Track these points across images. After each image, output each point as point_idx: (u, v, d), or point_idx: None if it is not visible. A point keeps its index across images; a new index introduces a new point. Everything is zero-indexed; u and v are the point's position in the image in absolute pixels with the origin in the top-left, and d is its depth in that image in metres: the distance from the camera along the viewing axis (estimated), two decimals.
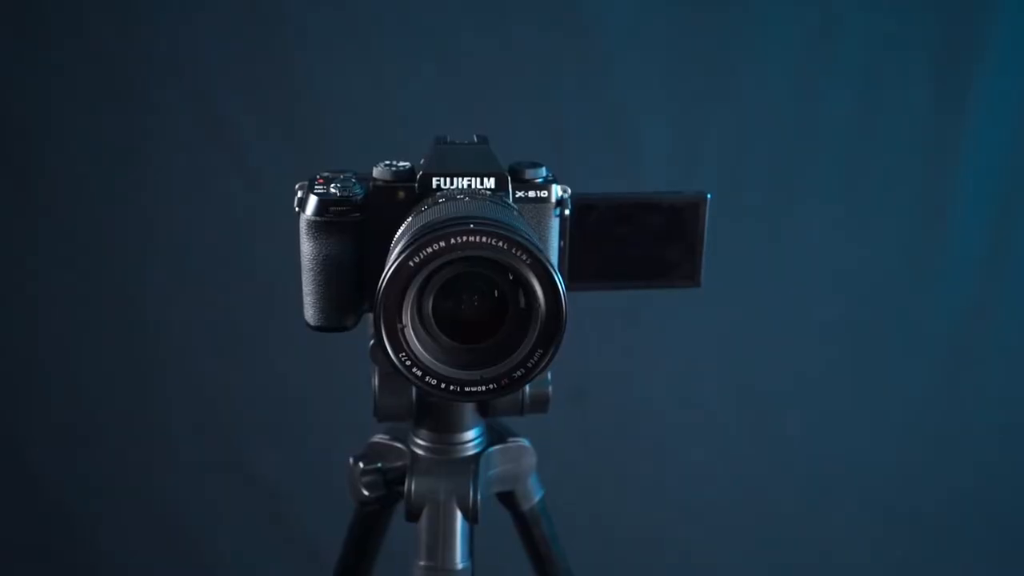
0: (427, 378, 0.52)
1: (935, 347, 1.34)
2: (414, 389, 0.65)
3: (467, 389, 0.52)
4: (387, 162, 0.63)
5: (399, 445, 0.68)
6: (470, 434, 0.67)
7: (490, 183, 0.60)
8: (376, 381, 0.65)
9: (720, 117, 1.22)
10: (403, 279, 0.50)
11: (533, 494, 0.73)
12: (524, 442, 0.70)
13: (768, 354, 1.31)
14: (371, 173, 0.63)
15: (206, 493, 1.30)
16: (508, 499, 0.73)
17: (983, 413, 1.37)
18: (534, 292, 0.51)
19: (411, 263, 0.50)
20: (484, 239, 0.50)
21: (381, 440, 0.70)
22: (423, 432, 0.67)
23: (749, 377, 1.32)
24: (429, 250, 0.50)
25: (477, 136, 0.65)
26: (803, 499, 1.38)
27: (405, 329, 0.51)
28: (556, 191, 0.63)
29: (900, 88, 1.23)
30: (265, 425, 1.28)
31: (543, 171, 0.64)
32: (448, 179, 0.60)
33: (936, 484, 1.39)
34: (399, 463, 0.68)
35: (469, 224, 0.50)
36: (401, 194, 0.61)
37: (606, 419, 1.32)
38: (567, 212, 0.64)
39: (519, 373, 0.52)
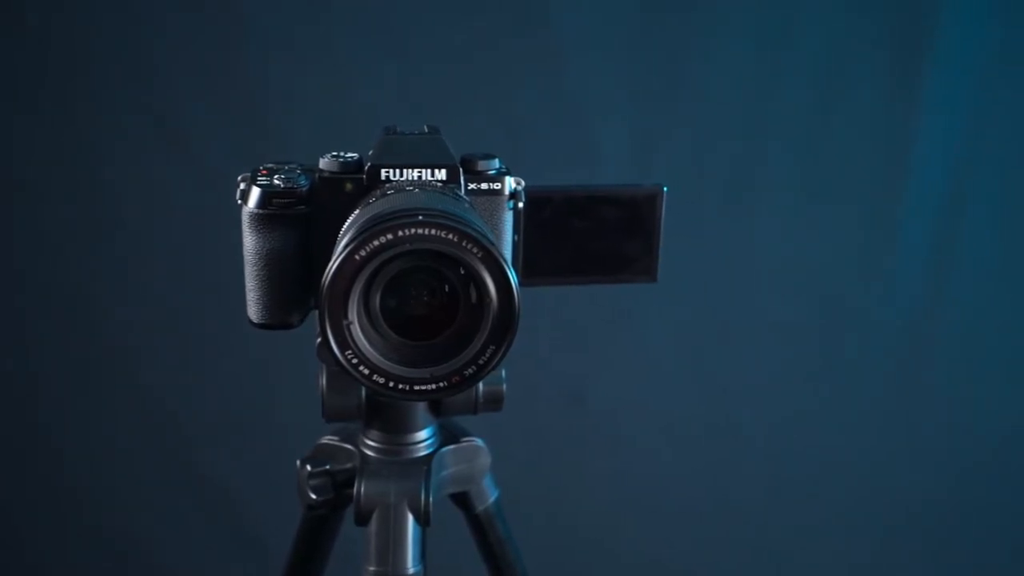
0: (375, 376, 0.50)
1: (890, 342, 1.35)
2: (363, 388, 0.63)
3: (417, 388, 0.50)
4: (334, 153, 0.61)
5: (348, 446, 0.66)
6: (422, 434, 0.65)
7: (441, 175, 0.58)
8: (323, 380, 0.63)
9: (677, 112, 1.21)
10: (349, 273, 0.48)
11: (487, 495, 0.71)
12: (478, 442, 0.69)
13: (725, 350, 1.31)
14: (317, 165, 0.60)
15: (152, 495, 1.26)
16: (462, 500, 0.71)
17: (937, 408, 1.38)
18: (486, 287, 0.49)
19: (357, 256, 0.48)
20: (433, 232, 0.48)
21: (330, 441, 0.67)
22: (373, 433, 0.65)
23: (706, 373, 1.32)
24: (376, 243, 0.48)
25: (428, 127, 0.63)
26: (762, 496, 1.38)
27: (351, 326, 0.49)
28: (509, 183, 0.61)
29: (854, 86, 1.23)
30: (212, 425, 1.25)
31: (496, 163, 0.62)
32: (397, 170, 0.58)
33: (894, 479, 1.39)
34: (348, 465, 0.66)
35: (418, 216, 0.48)
36: (348, 186, 0.59)
37: (562, 417, 1.31)
38: (521, 205, 0.62)
39: (471, 370, 0.50)
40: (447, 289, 0.52)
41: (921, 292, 1.32)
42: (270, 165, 0.61)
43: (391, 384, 0.50)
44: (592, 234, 0.67)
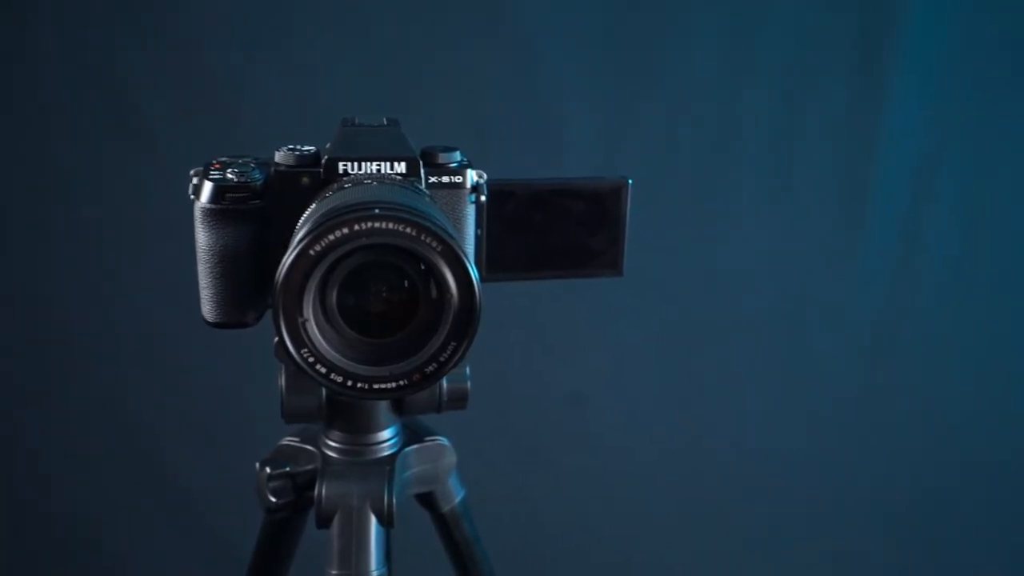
0: (332, 375, 0.48)
1: (858, 336, 1.35)
2: (323, 388, 0.61)
3: (376, 386, 0.49)
4: (290, 146, 0.59)
5: (309, 447, 0.65)
6: (385, 434, 0.64)
7: (400, 167, 0.57)
8: (283, 380, 0.61)
9: (646, 107, 1.20)
10: (303, 269, 0.46)
11: (453, 494, 0.70)
12: (443, 441, 0.67)
13: (693, 344, 1.31)
14: (272, 158, 0.59)
15: (115, 496, 1.24)
16: (427, 500, 0.69)
17: (906, 401, 1.38)
18: (446, 282, 0.48)
19: (312, 251, 0.46)
20: (391, 225, 0.46)
21: (290, 443, 0.66)
22: (335, 433, 0.64)
23: (673, 367, 1.31)
24: (331, 237, 0.46)
25: (387, 119, 0.62)
26: (728, 488, 1.37)
27: (307, 323, 0.47)
28: (471, 176, 0.60)
29: (821, 82, 1.23)
30: (174, 426, 1.22)
31: (457, 155, 0.61)
32: (355, 163, 0.57)
33: (864, 471, 1.40)
34: (309, 466, 0.64)
35: (375, 209, 0.47)
36: (305, 180, 0.57)
37: (528, 414, 1.30)
38: (483, 198, 0.61)
39: (431, 368, 0.49)
40: (406, 285, 0.50)
41: (889, 286, 1.33)
42: (223, 159, 0.59)
43: (349, 383, 0.48)
44: (557, 228, 0.66)
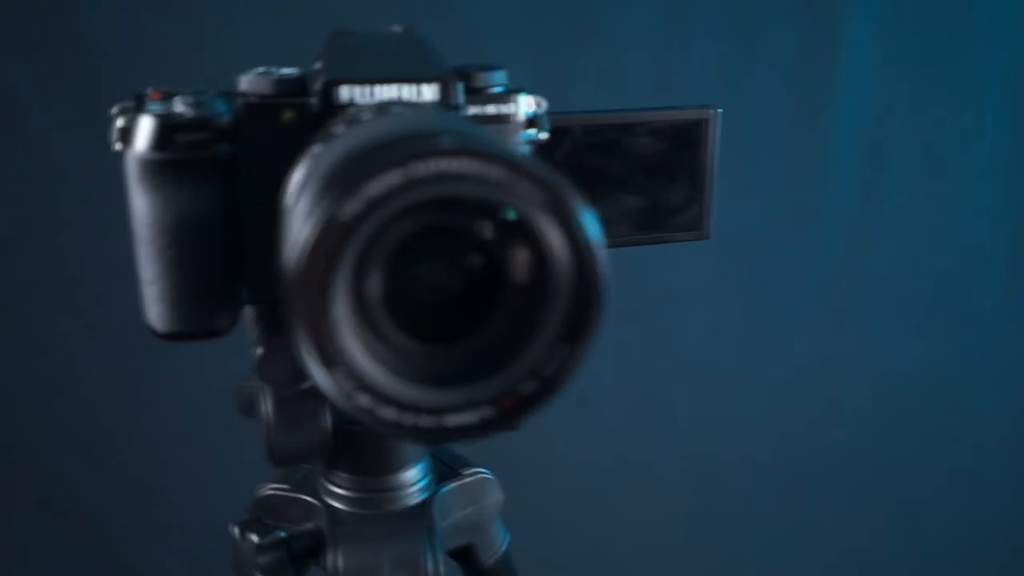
0: (381, 410, 0.30)
1: (815, 297, 1.26)
2: (327, 416, 0.43)
3: (448, 423, 0.31)
4: (262, 69, 0.40)
5: (307, 498, 0.46)
6: (413, 472, 0.46)
7: (431, 92, 0.39)
8: (268, 408, 0.42)
9: (585, 60, 1.07)
10: (332, 243, 0.28)
11: (498, 543, 0.52)
12: (484, 473, 0.50)
13: (646, 319, 1.17)
14: (236, 88, 0.40)
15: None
16: (465, 555, 0.51)
17: (860, 369, 1.31)
18: (551, 254, 0.30)
19: (347, 214, 0.28)
20: (470, 166, 0.29)
21: (276, 491, 0.47)
22: (342, 476, 0.46)
23: (628, 344, 1.17)
24: (378, 188, 0.28)
25: (400, 27, 0.44)
26: (688, 466, 1.28)
27: (339, 328, 0.29)
28: (526, 104, 0.43)
29: (772, 34, 1.13)
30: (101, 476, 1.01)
31: (501, 75, 0.43)
32: (365, 88, 0.38)
33: (820, 437, 1.32)
34: (309, 525, 0.46)
35: (439, 142, 0.29)
36: (288, 114, 0.39)
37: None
38: (543, 135, 0.43)
39: (531, 388, 0.31)
40: (480, 261, 0.32)
41: (841, 256, 1.25)
42: (163, 88, 0.40)
43: (407, 420, 0.31)
44: (623, 177, 0.49)
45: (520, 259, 0.31)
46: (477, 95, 0.42)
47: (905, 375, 1.34)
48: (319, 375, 0.29)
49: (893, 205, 1.25)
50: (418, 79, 0.39)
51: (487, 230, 0.31)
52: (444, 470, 0.48)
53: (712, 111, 0.49)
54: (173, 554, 1.07)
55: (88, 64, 0.90)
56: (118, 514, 1.05)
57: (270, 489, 0.47)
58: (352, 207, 0.28)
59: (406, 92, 0.39)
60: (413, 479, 0.46)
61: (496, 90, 0.42)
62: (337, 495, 0.46)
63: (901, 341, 1.32)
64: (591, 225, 0.30)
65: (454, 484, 0.47)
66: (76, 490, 1.03)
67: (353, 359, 0.30)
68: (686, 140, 0.49)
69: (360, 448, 0.45)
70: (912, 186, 1.25)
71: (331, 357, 0.29)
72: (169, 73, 0.42)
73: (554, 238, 0.30)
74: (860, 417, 1.33)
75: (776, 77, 1.15)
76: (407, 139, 0.30)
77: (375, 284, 0.31)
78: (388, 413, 0.30)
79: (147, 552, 1.06)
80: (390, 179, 0.28)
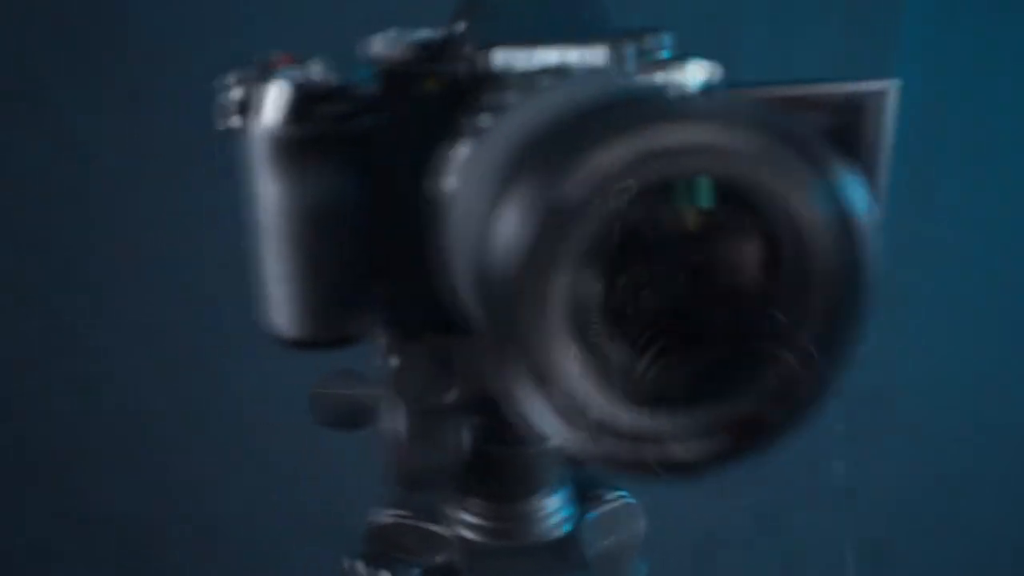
0: (601, 440, 0.24)
1: None
2: (465, 434, 0.37)
3: (680, 455, 0.25)
4: (395, 31, 0.35)
5: (433, 527, 0.40)
6: (556, 499, 0.40)
7: (598, 56, 0.33)
8: (401, 425, 0.36)
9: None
10: (555, 239, 0.22)
11: None
12: (628, 497, 0.44)
13: None
14: (367, 52, 0.34)
15: None
16: None
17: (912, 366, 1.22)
18: (805, 234, 0.24)
19: (576, 197, 0.22)
20: (729, 137, 0.23)
21: (396, 519, 0.41)
22: (475, 502, 0.40)
23: None
24: (617, 160, 0.22)
25: None
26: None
27: (556, 341, 0.23)
28: (700, 73, 0.37)
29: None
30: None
31: (669, 39, 0.37)
32: (524, 51, 0.33)
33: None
34: (437, 559, 0.40)
35: (679, 107, 0.23)
36: (431, 83, 0.33)
37: None
38: None
39: (780, 410, 0.25)
40: (719, 253, 0.26)
41: (894, 240, 1.16)
42: (284, 54, 0.34)
43: (627, 452, 0.25)
44: None
45: (769, 248, 0.25)
46: (642, 61, 0.36)
47: (956, 373, 1.29)
48: (529, 401, 0.23)
49: (944, 196, 1.19)
50: (585, 41, 0.33)
51: (731, 213, 0.25)
52: (585, 494, 0.42)
53: (889, 83, 0.43)
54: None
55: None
56: (157, 523, 1.00)
57: (387, 517, 0.42)
58: (578, 189, 0.22)
59: (572, 56, 0.33)
60: (556, 506, 0.40)
61: (662, 54, 0.36)
62: (468, 523, 0.40)
63: (953, 338, 1.27)
64: (860, 200, 0.24)
65: (599, 511, 0.42)
66: (112, 499, 0.98)
67: (569, 379, 0.24)
68: (855, 117, 0.43)
69: (498, 471, 0.39)
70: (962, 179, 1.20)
71: (548, 374, 0.23)
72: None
73: (813, 220, 0.24)
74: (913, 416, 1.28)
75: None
76: (633, 102, 0.24)
77: (592, 287, 0.25)
78: (610, 445, 0.24)
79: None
80: (633, 152, 0.22)
